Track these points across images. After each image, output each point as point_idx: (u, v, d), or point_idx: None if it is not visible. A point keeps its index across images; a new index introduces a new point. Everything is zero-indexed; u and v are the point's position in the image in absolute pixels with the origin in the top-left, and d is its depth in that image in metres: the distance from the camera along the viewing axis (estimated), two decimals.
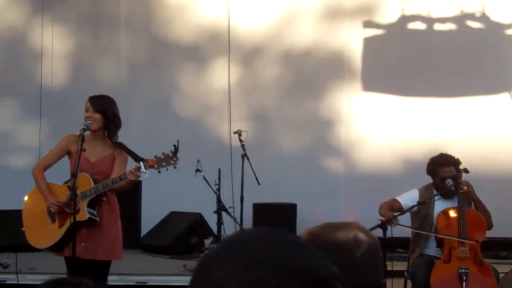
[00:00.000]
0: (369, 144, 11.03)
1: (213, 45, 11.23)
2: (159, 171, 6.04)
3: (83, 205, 6.01)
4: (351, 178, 10.98)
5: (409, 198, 7.14)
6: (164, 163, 6.01)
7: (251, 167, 9.08)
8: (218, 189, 9.07)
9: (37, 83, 10.98)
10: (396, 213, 6.93)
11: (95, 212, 6.07)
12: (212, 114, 11.22)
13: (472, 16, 11.07)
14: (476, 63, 11.08)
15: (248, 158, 9.15)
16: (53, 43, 11.08)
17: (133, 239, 9.33)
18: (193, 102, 11.23)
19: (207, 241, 9.97)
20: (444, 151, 7.38)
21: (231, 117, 11.05)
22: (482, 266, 6.92)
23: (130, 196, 8.49)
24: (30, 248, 6.48)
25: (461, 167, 7.12)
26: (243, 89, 11.30)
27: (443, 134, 10.74)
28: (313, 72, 11.24)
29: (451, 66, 11.06)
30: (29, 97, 11.01)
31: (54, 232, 6.14)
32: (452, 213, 7.01)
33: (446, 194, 7.06)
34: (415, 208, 7.06)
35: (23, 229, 6.35)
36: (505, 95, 11.11)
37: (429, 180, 7.26)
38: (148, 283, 8.59)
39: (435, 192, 7.12)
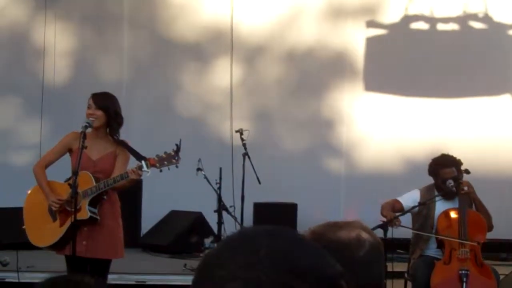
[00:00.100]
0: (371, 144, 11.03)
1: (216, 44, 11.23)
2: (161, 170, 6.01)
3: (84, 204, 5.99)
4: (352, 178, 10.98)
5: (410, 198, 7.13)
6: (166, 162, 5.99)
7: (252, 166, 9.07)
8: (219, 188, 9.05)
9: (39, 81, 10.98)
10: (397, 214, 6.92)
11: (96, 211, 6.05)
12: (214, 113, 11.22)
13: (475, 17, 11.07)
14: (478, 64, 11.08)
15: (249, 157, 9.15)
16: (56, 41, 11.07)
17: (133, 238, 9.32)
18: (195, 101, 11.23)
19: (207, 241, 9.97)
20: (445, 151, 7.36)
21: (232, 116, 11.05)
22: (482, 267, 6.91)
23: (130, 194, 8.48)
24: (31, 246, 6.46)
25: (463, 167, 7.11)
26: (245, 88, 11.30)
27: (445, 134, 10.74)
28: (315, 72, 11.24)
29: (454, 66, 11.06)
30: (31, 94, 11.01)
31: (55, 231, 6.12)
32: (453, 214, 7.01)
33: (447, 195, 7.05)
34: (416, 208, 7.05)
35: (23, 227, 6.33)
36: (507, 96, 11.10)
37: (430, 180, 7.25)
38: (147, 282, 8.56)
39: (436, 193, 7.11)
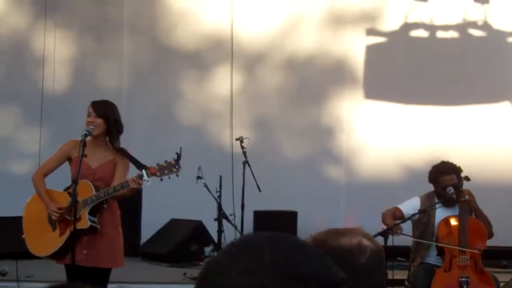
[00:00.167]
0: (370, 152, 11.03)
1: (216, 52, 11.23)
2: (162, 179, 6.00)
3: (84, 213, 5.97)
4: (352, 186, 10.97)
5: (410, 206, 7.13)
6: (166, 171, 5.97)
7: (252, 174, 9.07)
8: (219, 196, 9.05)
9: (39, 89, 10.97)
10: (397, 221, 6.92)
11: (96, 220, 6.03)
12: (214, 120, 11.22)
13: (474, 24, 11.08)
14: (478, 71, 11.08)
15: (249, 165, 9.14)
16: (56, 48, 11.07)
17: (132, 247, 9.29)
18: (195, 109, 11.23)
19: (207, 249, 9.93)
20: (445, 159, 7.37)
21: (233, 124, 11.04)
22: (482, 274, 6.91)
23: (130, 203, 8.46)
24: (30, 256, 6.44)
25: (463, 175, 7.11)
26: (245, 96, 11.30)
27: (445, 142, 10.73)
28: (315, 80, 11.24)
29: (453, 74, 11.06)
30: (30, 102, 11.00)
31: (54, 240, 6.10)
32: (453, 221, 7.00)
33: (447, 202, 7.05)
34: (417, 216, 7.05)
35: (23, 236, 6.31)
36: (506, 103, 11.11)
37: (430, 188, 7.25)
38: None
39: (436, 200, 7.11)
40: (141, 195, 10.08)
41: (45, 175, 6.22)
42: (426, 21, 11.09)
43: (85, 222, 5.96)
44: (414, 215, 7.03)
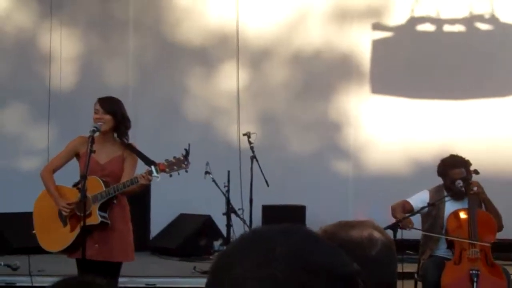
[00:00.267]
0: (378, 146, 11.02)
1: (222, 47, 11.23)
2: (171, 175, 6.02)
3: (94, 209, 6.00)
4: (360, 180, 10.97)
5: (419, 199, 7.12)
6: (175, 167, 5.98)
7: (260, 169, 9.07)
8: (227, 191, 9.06)
9: (46, 86, 11.00)
10: (406, 215, 6.91)
11: (106, 215, 6.06)
12: (221, 116, 11.22)
13: (481, 18, 11.05)
14: (485, 65, 11.06)
15: (257, 160, 9.15)
16: (62, 46, 11.09)
17: (142, 241, 9.30)
18: (202, 105, 11.23)
19: (216, 243, 9.98)
20: (453, 152, 7.36)
21: (240, 119, 11.04)
22: (493, 267, 6.90)
23: (139, 198, 8.46)
24: (40, 250, 6.48)
25: (472, 168, 7.10)
26: (251, 92, 11.30)
27: (453, 135, 10.72)
28: (322, 75, 11.24)
29: (460, 67, 11.05)
30: (37, 99, 11.02)
31: (66, 236, 6.13)
32: (463, 215, 6.99)
33: (457, 195, 7.04)
34: (426, 209, 7.04)
35: (33, 231, 6.34)
36: None
37: (438, 181, 7.24)
38: (157, 285, 8.58)
39: (445, 193, 7.10)
40: (150, 190, 10.10)
41: (54, 171, 6.25)
42: (433, 15, 11.07)
43: (95, 217, 5.99)
44: (423, 208, 7.02)
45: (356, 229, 2.13)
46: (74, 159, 6.25)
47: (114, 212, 6.10)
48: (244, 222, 8.94)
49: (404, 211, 6.98)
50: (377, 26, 11.20)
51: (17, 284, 8.29)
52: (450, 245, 7.00)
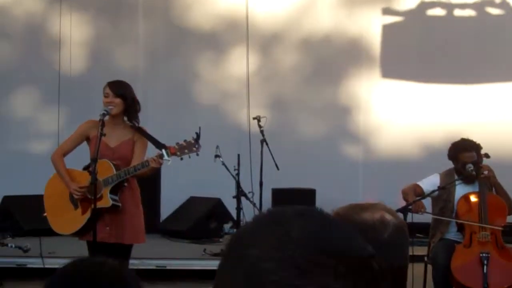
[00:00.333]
0: (388, 131, 11.01)
1: (232, 32, 11.22)
2: (182, 158, 6.03)
3: (105, 192, 6.03)
4: (370, 164, 10.97)
5: (430, 183, 7.13)
6: (186, 150, 6.00)
7: (270, 153, 9.08)
8: (237, 175, 9.06)
9: (56, 71, 11.01)
10: (417, 198, 6.92)
11: (117, 198, 6.09)
12: (231, 100, 11.22)
13: (492, 2, 11.01)
14: (495, 49, 11.03)
15: (267, 144, 9.15)
16: (72, 31, 11.10)
17: (152, 224, 9.35)
18: (212, 89, 11.23)
19: (226, 226, 10.02)
20: (464, 136, 7.35)
21: (249, 104, 11.04)
22: (503, 250, 6.91)
23: (149, 181, 8.50)
24: (51, 233, 6.52)
25: (482, 152, 7.10)
26: (261, 76, 11.29)
27: (463, 119, 10.70)
28: (332, 59, 11.22)
29: (471, 52, 11.02)
30: (48, 84, 11.04)
31: (77, 219, 6.16)
32: (473, 198, 7.00)
33: (467, 179, 7.05)
34: (436, 192, 7.05)
35: (44, 214, 6.37)
36: None
37: (448, 165, 7.24)
38: (168, 267, 8.63)
39: (456, 177, 7.10)
40: (160, 173, 10.11)
41: (64, 154, 6.27)
42: None
43: (107, 200, 6.02)
44: (433, 191, 7.03)
45: (368, 212, 2.11)
46: (85, 143, 6.27)
47: (125, 195, 6.13)
48: (254, 205, 8.96)
49: (415, 194, 6.99)
50: (387, 11, 11.16)
51: (28, 266, 8.34)
52: (460, 228, 7.01)
